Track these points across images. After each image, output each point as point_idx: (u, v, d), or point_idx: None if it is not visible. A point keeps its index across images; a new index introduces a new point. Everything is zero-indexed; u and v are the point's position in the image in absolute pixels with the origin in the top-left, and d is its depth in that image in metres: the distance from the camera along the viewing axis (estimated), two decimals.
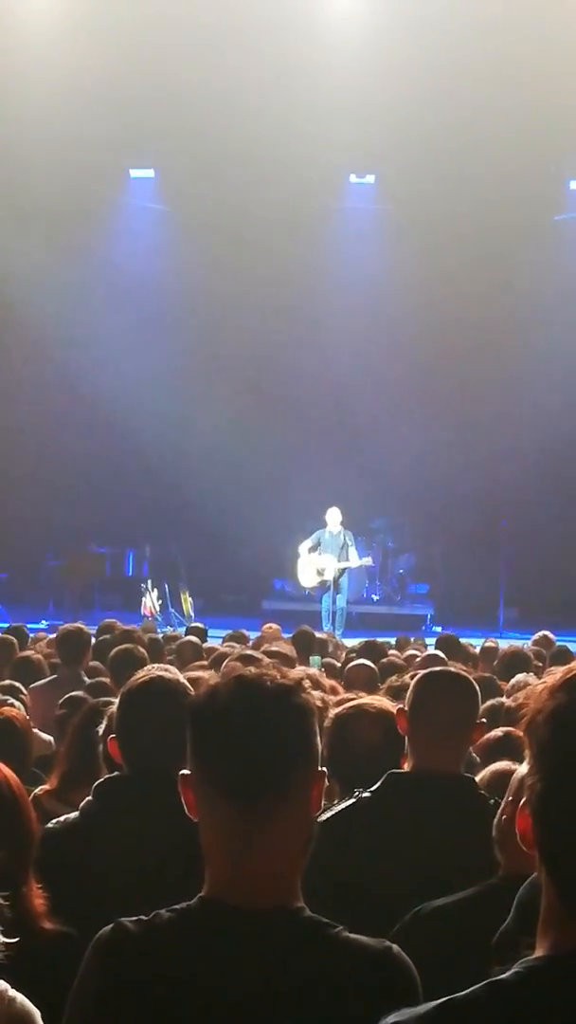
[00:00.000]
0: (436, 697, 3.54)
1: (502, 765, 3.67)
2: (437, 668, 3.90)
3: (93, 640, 9.87)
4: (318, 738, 2.07)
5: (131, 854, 2.98)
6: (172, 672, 3.36)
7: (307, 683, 2.09)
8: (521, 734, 1.66)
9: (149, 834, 2.96)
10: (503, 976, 1.54)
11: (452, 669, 3.92)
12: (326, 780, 2.11)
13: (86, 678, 7.53)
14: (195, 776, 2.03)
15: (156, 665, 3.53)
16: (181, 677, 3.34)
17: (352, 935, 1.99)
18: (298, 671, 5.95)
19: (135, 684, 3.26)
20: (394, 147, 18.93)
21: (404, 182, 19.54)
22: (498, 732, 4.35)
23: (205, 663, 7.73)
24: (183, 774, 2.05)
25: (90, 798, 3.26)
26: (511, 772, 3.51)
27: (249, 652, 7.68)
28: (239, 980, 1.91)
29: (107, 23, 17.57)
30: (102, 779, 3.28)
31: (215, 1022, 1.90)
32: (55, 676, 7.52)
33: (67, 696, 6.20)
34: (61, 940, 2.71)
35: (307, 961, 1.94)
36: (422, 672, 3.81)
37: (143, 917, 2.00)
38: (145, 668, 3.48)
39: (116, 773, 3.28)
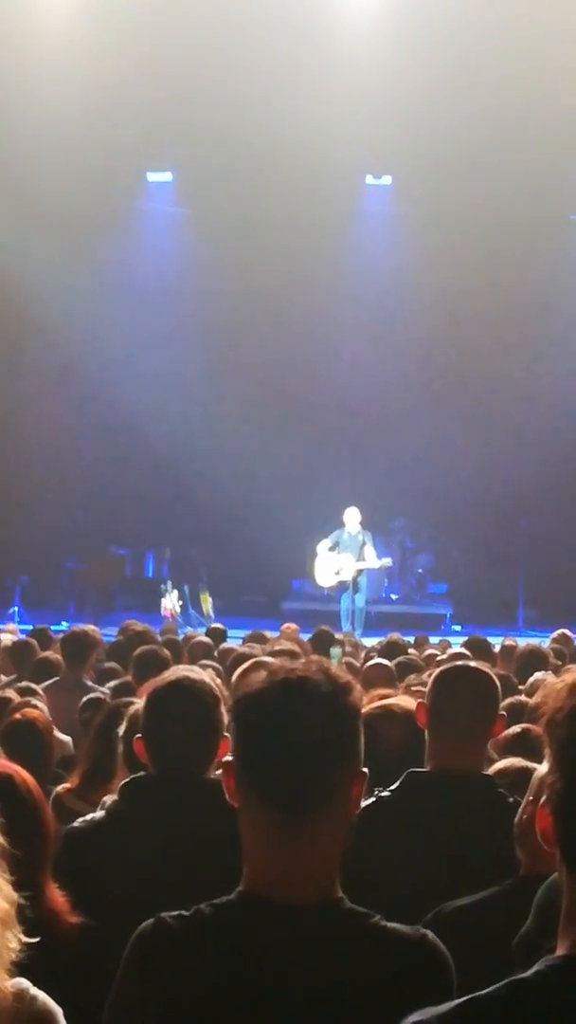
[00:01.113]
0: (456, 692, 3.53)
1: (508, 761, 3.67)
2: (457, 663, 3.88)
3: (108, 640, 9.94)
4: (361, 740, 2.08)
5: (157, 854, 2.98)
6: (198, 673, 3.37)
7: (356, 685, 2.08)
8: (539, 731, 1.67)
9: (175, 834, 2.97)
10: (525, 975, 1.55)
11: (472, 664, 3.89)
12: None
13: (88, 680, 7.54)
14: (236, 769, 2.04)
15: (183, 666, 3.53)
16: (207, 678, 3.35)
17: (389, 924, 2.02)
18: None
19: (162, 684, 3.26)
20: (410, 148, 18.90)
21: (421, 183, 19.51)
22: (516, 728, 4.34)
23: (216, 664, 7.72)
24: (225, 760, 2.06)
25: (115, 797, 3.27)
26: (518, 768, 3.52)
27: (286, 648, 7.61)
28: (283, 973, 1.92)
29: (124, 27, 17.56)
30: (128, 779, 3.27)
31: (261, 1015, 1.92)
32: (57, 678, 7.53)
33: (88, 697, 6.22)
34: (83, 937, 2.73)
35: (349, 951, 1.96)
36: (442, 667, 3.80)
37: (184, 912, 2.01)
38: (171, 668, 3.49)
39: (142, 773, 3.29)
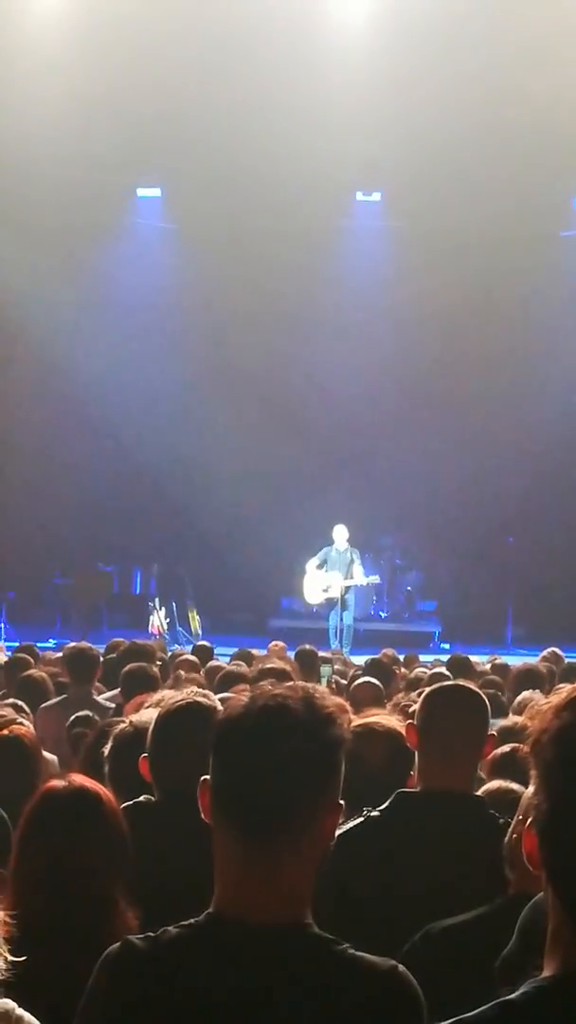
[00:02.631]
0: (446, 712, 3.52)
1: (495, 784, 3.66)
2: (447, 683, 3.87)
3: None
4: (340, 774, 2.05)
5: (159, 877, 2.98)
6: (210, 697, 3.37)
7: (341, 715, 2.05)
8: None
9: (176, 858, 2.96)
10: (512, 996, 1.54)
11: (462, 683, 3.89)
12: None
13: (96, 697, 7.51)
14: (212, 792, 2.03)
15: (195, 689, 3.54)
16: (218, 703, 3.33)
17: (358, 953, 1.98)
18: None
19: (172, 707, 3.26)
20: (401, 164, 18.95)
21: (410, 199, 19.55)
22: (505, 748, 4.33)
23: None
24: (203, 779, 2.05)
25: None
26: (508, 789, 3.52)
27: (277, 667, 7.59)
28: (245, 996, 1.91)
29: (113, 41, 17.59)
30: (130, 803, 3.25)
31: None
32: (65, 696, 7.48)
33: (75, 716, 6.20)
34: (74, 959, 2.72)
35: (312, 978, 1.93)
36: (432, 687, 3.79)
37: (151, 934, 2.00)
38: (184, 691, 3.49)
39: (143, 797, 3.27)
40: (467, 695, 3.63)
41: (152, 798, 3.31)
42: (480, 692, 3.74)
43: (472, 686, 3.79)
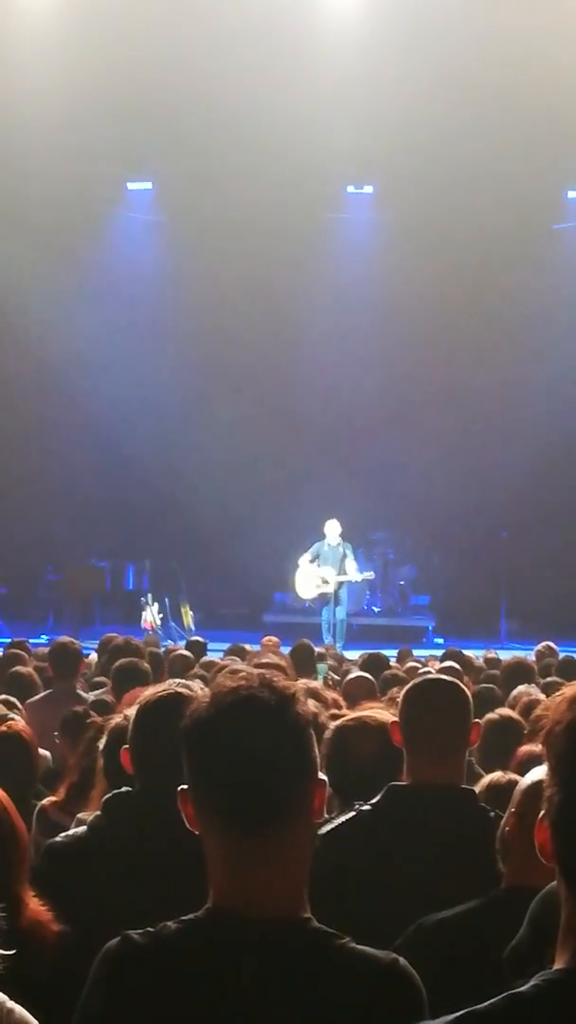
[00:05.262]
0: (427, 706, 3.51)
1: (496, 776, 3.67)
2: (426, 677, 3.87)
3: (93, 654, 9.91)
4: (316, 748, 2.04)
5: (139, 869, 2.97)
6: (191, 688, 3.35)
7: (300, 692, 2.04)
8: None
9: (157, 849, 2.94)
10: (522, 989, 1.53)
11: (440, 677, 3.87)
12: (327, 789, 2.08)
13: (81, 691, 7.49)
14: (193, 796, 2.01)
15: (176, 680, 3.52)
16: (200, 693, 3.31)
17: (358, 947, 1.98)
18: (300, 683, 5.95)
19: (153, 698, 3.24)
20: (392, 157, 18.95)
21: (402, 192, 19.55)
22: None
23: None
24: (181, 789, 2.03)
25: (99, 813, 3.25)
26: (504, 783, 3.52)
27: (237, 666, 7.60)
28: (245, 990, 1.90)
29: (104, 35, 17.57)
30: (111, 794, 3.26)
31: None
32: (50, 691, 7.46)
33: (72, 710, 6.18)
34: (65, 951, 2.70)
35: (313, 972, 1.93)
36: (410, 683, 3.78)
37: (150, 929, 1.99)
38: (165, 683, 3.47)
39: (124, 788, 3.26)
40: (446, 688, 3.62)
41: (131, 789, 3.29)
42: (458, 682, 3.72)
43: (450, 678, 3.77)
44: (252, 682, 2.01)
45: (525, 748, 4.34)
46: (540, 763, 3.96)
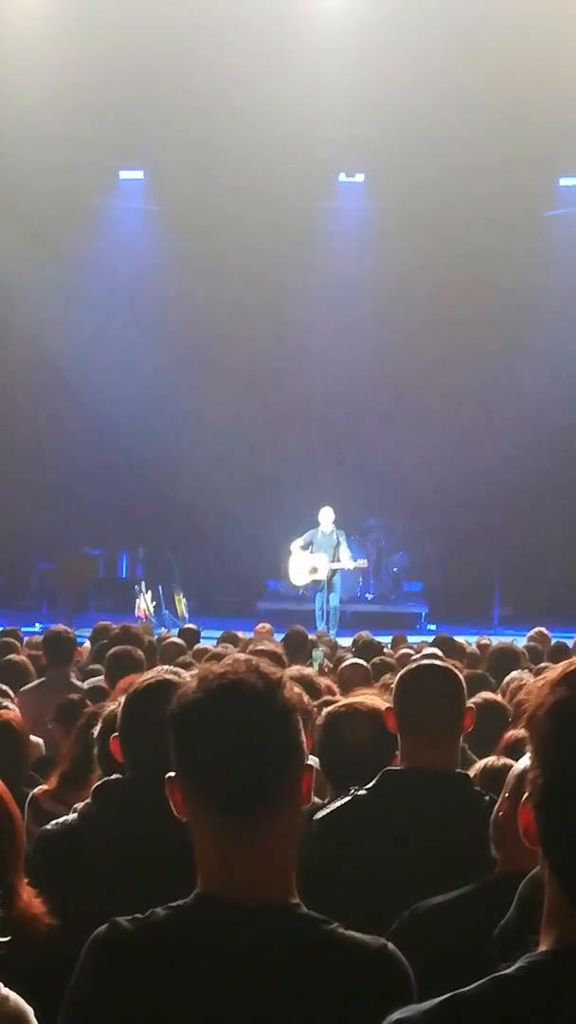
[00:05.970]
0: (421, 691, 3.52)
1: (490, 761, 3.68)
2: (420, 663, 3.89)
3: (87, 643, 9.90)
4: (303, 733, 2.04)
5: (129, 857, 2.96)
6: (180, 675, 3.35)
7: (287, 678, 2.05)
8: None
9: (147, 836, 2.94)
10: (508, 971, 1.54)
11: (434, 662, 3.87)
12: (314, 773, 2.09)
13: (75, 680, 7.49)
14: (181, 782, 2.01)
15: (165, 667, 3.52)
16: (189, 679, 3.31)
17: (347, 932, 1.98)
18: (293, 669, 5.96)
19: (141, 686, 3.24)
20: (384, 146, 18.92)
21: (394, 181, 19.52)
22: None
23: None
24: (169, 777, 2.03)
25: (89, 800, 3.25)
26: (498, 767, 3.53)
27: (268, 649, 7.59)
28: (233, 976, 1.90)
29: (96, 24, 17.53)
30: (100, 782, 3.26)
31: (210, 1019, 1.90)
32: (43, 679, 7.46)
33: (66, 698, 6.19)
34: (57, 940, 2.71)
35: (300, 958, 1.93)
36: (404, 669, 3.79)
37: (139, 915, 1.99)
38: (154, 670, 3.47)
39: (115, 775, 3.27)
40: (439, 673, 3.62)
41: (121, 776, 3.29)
42: (451, 667, 3.73)
43: (443, 663, 3.78)
44: (239, 668, 2.01)
45: (511, 732, 4.36)
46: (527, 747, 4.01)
